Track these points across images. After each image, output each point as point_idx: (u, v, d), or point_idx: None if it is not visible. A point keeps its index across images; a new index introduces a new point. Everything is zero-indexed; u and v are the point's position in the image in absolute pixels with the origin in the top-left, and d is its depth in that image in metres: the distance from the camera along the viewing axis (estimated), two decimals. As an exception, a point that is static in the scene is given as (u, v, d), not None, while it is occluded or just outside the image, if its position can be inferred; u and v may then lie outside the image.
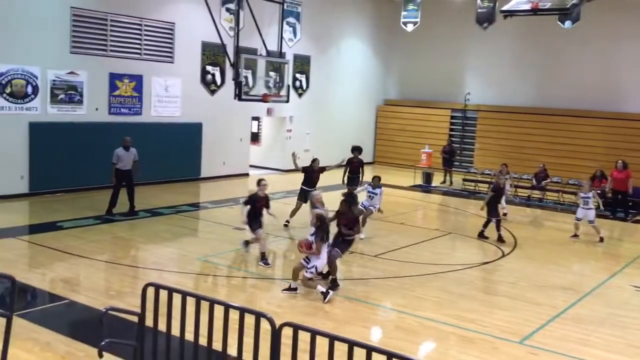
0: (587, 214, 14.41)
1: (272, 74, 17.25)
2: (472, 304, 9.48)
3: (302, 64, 23.93)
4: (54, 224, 13.20)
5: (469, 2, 23.21)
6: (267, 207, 11.33)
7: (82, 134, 16.78)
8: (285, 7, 18.18)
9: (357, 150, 16.10)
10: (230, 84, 18.34)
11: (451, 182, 22.78)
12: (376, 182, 13.47)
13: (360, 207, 13.11)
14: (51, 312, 8.55)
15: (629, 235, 16.38)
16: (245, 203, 11.34)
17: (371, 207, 13.44)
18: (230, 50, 16.36)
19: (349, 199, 10.49)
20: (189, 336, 5.60)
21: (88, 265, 10.47)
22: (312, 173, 14.57)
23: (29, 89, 15.76)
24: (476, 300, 9.67)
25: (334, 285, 9.68)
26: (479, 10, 21.38)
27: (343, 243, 10.11)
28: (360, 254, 12.22)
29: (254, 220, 11.25)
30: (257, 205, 11.25)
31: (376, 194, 13.38)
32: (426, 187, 21.97)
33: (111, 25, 17.34)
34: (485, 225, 14.01)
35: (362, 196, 13.30)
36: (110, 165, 14.51)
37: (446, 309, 9.20)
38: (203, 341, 5.55)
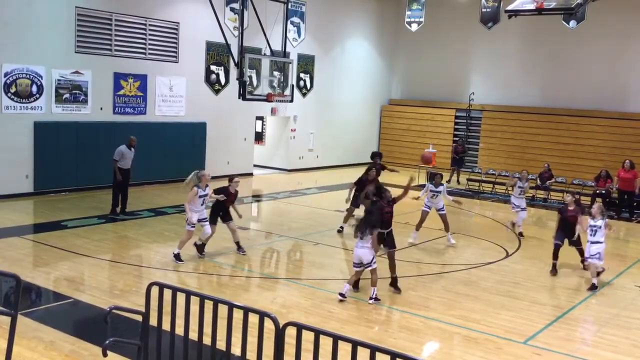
0: (599, 248, 10.64)
1: (276, 73, 17.28)
2: (476, 304, 9.46)
3: (307, 63, 23.93)
4: (58, 223, 13.24)
5: (473, 1, 23.18)
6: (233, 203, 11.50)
7: (86, 134, 16.81)
8: (289, 7, 18.17)
9: (378, 156, 15.86)
10: (234, 83, 18.37)
11: (458, 182, 22.78)
12: (438, 181, 13.42)
13: (424, 208, 13.40)
14: (55, 311, 8.58)
15: (634, 235, 16.33)
16: (218, 192, 11.35)
17: (427, 208, 13.43)
18: (235, 50, 16.39)
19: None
20: (193, 335, 5.60)
21: (92, 265, 10.49)
22: (366, 182, 14.28)
23: (34, 89, 15.80)
24: (480, 301, 9.66)
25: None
26: (484, 10, 21.37)
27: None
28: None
29: (226, 214, 11.39)
30: (227, 200, 11.33)
31: (439, 192, 13.35)
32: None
33: (116, 25, 17.38)
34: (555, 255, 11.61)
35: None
36: (111, 163, 14.36)
37: (450, 309, 9.19)
38: (207, 340, 5.56)
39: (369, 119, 27.69)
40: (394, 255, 10.04)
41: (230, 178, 11.67)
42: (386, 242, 10.04)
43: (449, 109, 26.58)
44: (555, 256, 11.47)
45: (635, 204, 18.25)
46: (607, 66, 23.02)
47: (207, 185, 11.13)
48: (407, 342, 7.87)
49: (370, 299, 9.20)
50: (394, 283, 9.91)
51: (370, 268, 9.26)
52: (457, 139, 25.55)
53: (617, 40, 22.71)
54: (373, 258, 9.25)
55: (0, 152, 15.28)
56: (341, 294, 9.24)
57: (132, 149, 14.44)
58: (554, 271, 11.39)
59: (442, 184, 13.45)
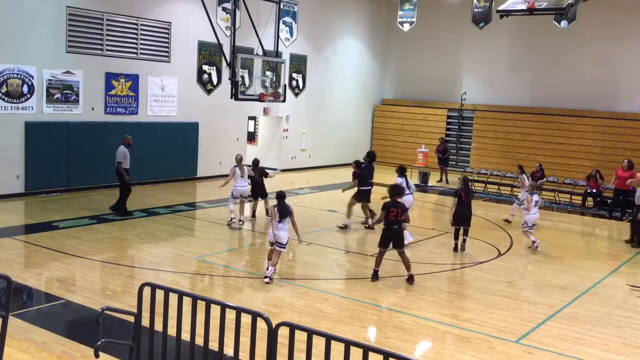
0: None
1: (268, 73, 17.26)
2: (469, 304, 9.49)
3: (299, 63, 23.93)
4: (49, 224, 13.17)
5: (465, 1, 23.25)
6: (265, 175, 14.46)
7: (78, 134, 16.74)
8: (281, 7, 18.14)
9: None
10: (226, 83, 18.35)
11: (447, 181, 22.82)
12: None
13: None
14: (47, 312, 8.54)
15: (625, 235, 16.39)
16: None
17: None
18: (227, 50, 16.36)
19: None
20: (186, 336, 5.59)
21: (84, 265, 10.45)
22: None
23: (25, 89, 15.71)
24: (472, 300, 9.68)
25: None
26: (475, 10, 21.43)
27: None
28: (356, 253, 12.23)
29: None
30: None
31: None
32: (422, 186, 21.98)
33: (107, 25, 17.31)
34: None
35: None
36: (117, 166, 14.26)
37: (442, 308, 9.21)
38: (199, 341, 5.55)
39: (361, 119, 27.71)
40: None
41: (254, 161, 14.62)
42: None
43: (441, 108, 26.64)
44: (457, 237, 12.70)
45: (622, 203, 18.26)
46: (598, 66, 23.13)
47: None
48: (400, 341, 7.88)
49: (266, 277, 9.90)
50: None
51: (282, 250, 10.05)
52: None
53: (608, 40, 22.83)
54: (287, 242, 10.05)
55: (-10, 153, 15.22)
56: (268, 277, 9.93)
57: (129, 147, 14.45)
58: (456, 249, 12.67)
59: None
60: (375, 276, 10.31)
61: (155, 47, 18.70)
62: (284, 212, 10.00)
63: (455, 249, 12.65)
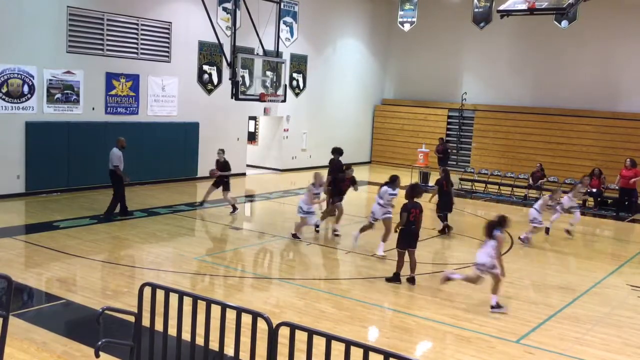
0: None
1: (269, 73, 17.29)
2: (469, 304, 9.48)
3: (299, 63, 23.93)
4: (50, 224, 13.18)
5: (465, 1, 23.24)
6: (354, 183, 14.09)
7: (78, 134, 16.75)
8: (282, 7, 18.16)
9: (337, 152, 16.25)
10: (227, 83, 18.37)
11: (447, 181, 22.81)
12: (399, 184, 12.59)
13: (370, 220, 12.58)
14: (48, 312, 8.54)
15: (625, 234, 16.41)
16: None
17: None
18: (227, 50, 16.38)
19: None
20: (186, 336, 5.59)
21: (85, 265, 10.45)
22: (341, 182, 14.24)
23: (25, 89, 15.72)
24: (473, 300, 9.68)
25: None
26: (476, 10, 21.43)
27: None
28: (356, 253, 12.23)
29: (338, 195, 14.01)
30: (343, 184, 13.96)
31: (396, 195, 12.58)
32: (423, 186, 21.93)
33: (108, 25, 17.32)
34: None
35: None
36: (116, 170, 14.08)
37: (443, 308, 9.21)
38: (200, 341, 5.55)
39: (362, 119, 27.71)
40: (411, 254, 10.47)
41: (347, 166, 14.29)
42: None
43: (441, 108, 26.65)
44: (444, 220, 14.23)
45: (626, 203, 18.26)
46: (598, 66, 23.13)
47: (320, 185, 13.17)
48: (400, 341, 7.88)
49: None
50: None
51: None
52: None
53: (609, 40, 22.83)
54: (485, 264, 9.23)
55: (-9, 153, 15.22)
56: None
57: (123, 150, 14.38)
58: (443, 231, 14.13)
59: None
60: (397, 279, 10.26)
61: (156, 47, 18.71)
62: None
63: (443, 231, 14.13)
